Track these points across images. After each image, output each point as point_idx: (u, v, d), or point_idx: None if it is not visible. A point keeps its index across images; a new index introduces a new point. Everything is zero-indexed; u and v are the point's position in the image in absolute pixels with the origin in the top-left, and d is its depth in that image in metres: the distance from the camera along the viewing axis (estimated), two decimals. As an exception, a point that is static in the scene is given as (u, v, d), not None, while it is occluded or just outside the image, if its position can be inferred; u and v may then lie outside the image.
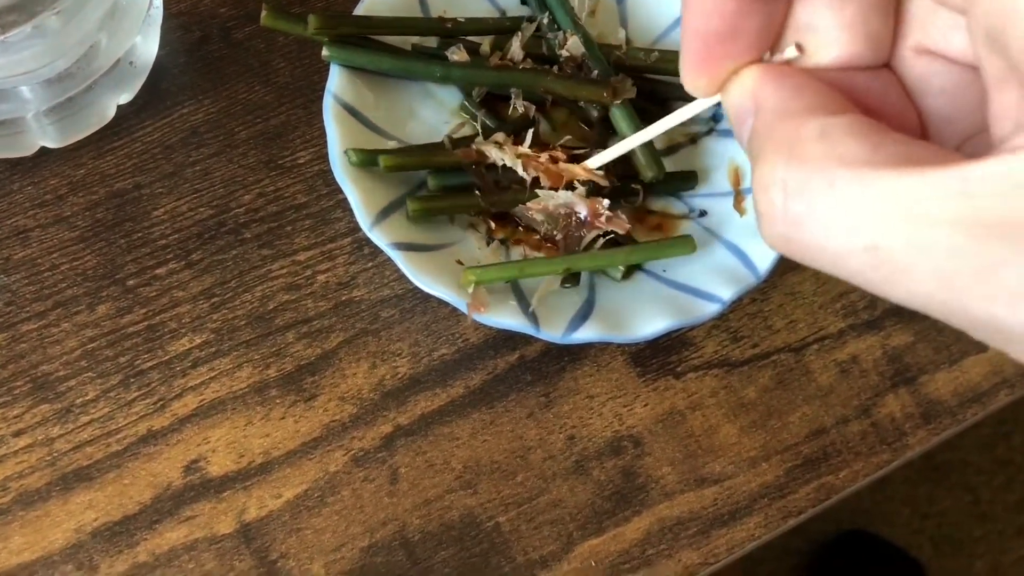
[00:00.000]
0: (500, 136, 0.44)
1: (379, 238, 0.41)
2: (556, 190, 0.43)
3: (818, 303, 0.46)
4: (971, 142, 0.24)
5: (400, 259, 0.40)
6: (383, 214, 0.42)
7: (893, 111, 0.24)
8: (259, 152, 0.46)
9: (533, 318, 0.41)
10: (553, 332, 0.41)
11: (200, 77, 0.47)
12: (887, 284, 0.20)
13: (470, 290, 0.40)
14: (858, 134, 0.21)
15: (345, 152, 0.42)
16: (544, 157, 0.43)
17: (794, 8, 0.24)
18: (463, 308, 0.40)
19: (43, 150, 0.45)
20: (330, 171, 0.46)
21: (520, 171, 0.43)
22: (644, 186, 0.44)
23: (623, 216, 0.42)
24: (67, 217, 0.45)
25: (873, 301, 0.46)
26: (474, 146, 0.43)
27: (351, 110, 0.43)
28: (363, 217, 0.41)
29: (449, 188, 0.43)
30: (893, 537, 1.18)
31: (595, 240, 0.43)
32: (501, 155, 0.43)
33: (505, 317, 0.40)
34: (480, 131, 0.44)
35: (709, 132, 0.47)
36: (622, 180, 0.44)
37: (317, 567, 0.41)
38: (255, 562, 0.40)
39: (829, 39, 0.23)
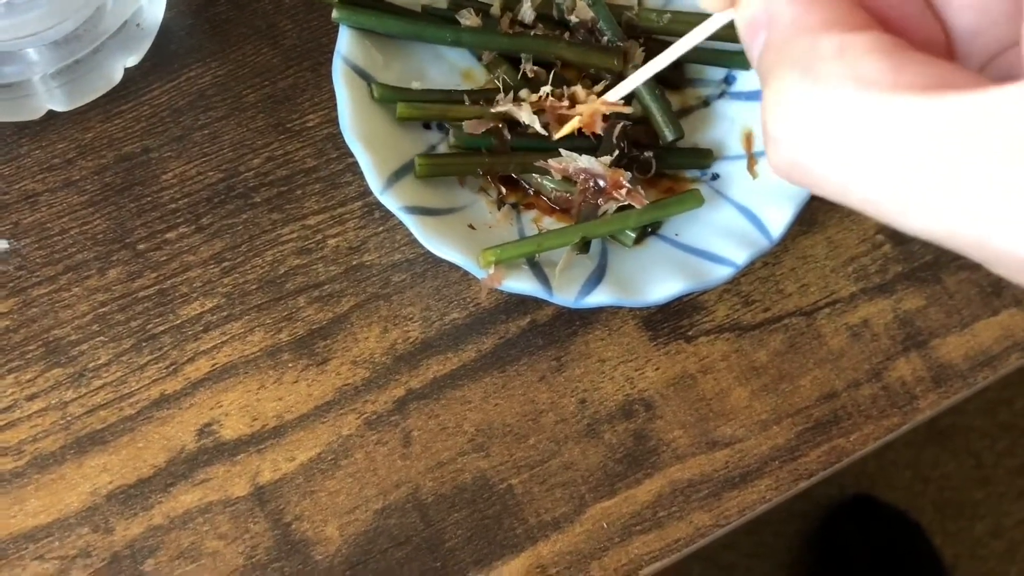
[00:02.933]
0: (524, 92, 0.43)
1: (391, 202, 0.41)
2: (576, 147, 0.42)
3: (829, 267, 0.46)
4: (997, 61, 0.22)
5: (412, 223, 0.40)
6: (394, 177, 0.41)
7: (915, 27, 0.22)
8: (267, 115, 0.46)
9: (546, 282, 0.41)
10: (566, 296, 0.41)
11: (207, 39, 0.47)
12: (903, 215, 0.19)
13: (490, 270, 0.40)
14: (879, 53, 0.19)
15: (370, 86, 0.42)
16: (565, 102, 0.43)
17: None
18: (474, 272, 0.40)
19: (50, 113, 0.44)
20: (339, 134, 0.45)
21: (538, 127, 0.42)
22: (657, 157, 0.44)
23: (642, 191, 0.42)
24: (76, 181, 0.44)
25: (885, 265, 0.46)
26: (496, 107, 0.43)
27: (360, 72, 0.43)
28: (374, 181, 0.41)
29: (459, 147, 0.43)
30: (895, 500, 1.18)
31: (615, 209, 0.43)
32: (520, 112, 0.42)
33: (518, 282, 0.40)
34: (501, 88, 0.44)
35: (721, 95, 0.46)
36: (636, 147, 0.44)
37: (331, 529, 0.41)
38: (269, 524, 0.41)
39: None
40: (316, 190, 0.45)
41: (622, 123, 0.43)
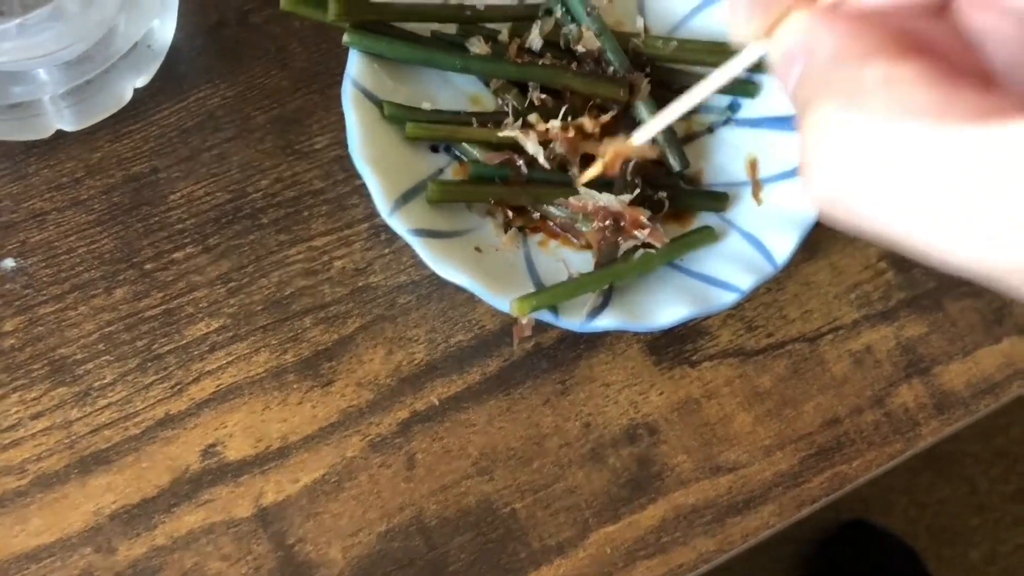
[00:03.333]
0: (533, 116, 0.43)
1: (398, 224, 0.41)
2: (598, 185, 0.42)
3: (833, 293, 0.46)
4: None
5: (419, 245, 0.40)
6: (402, 200, 0.42)
7: (955, 58, 0.21)
8: (276, 137, 0.46)
9: (553, 307, 0.41)
10: (572, 320, 0.41)
11: (217, 61, 0.47)
12: (955, 250, 0.18)
13: (523, 320, 0.40)
14: (926, 82, 0.19)
15: (380, 104, 0.42)
16: (572, 132, 0.43)
17: None
18: (481, 295, 0.40)
19: (59, 133, 0.45)
20: (347, 157, 0.46)
21: (542, 158, 0.43)
22: (671, 197, 0.44)
23: (660, 228, 0.42)
24: (84, 200, 0.45)
25: (888, 292, 0.47)
26: (504, 132, 0.43)
27: (369, 95, 0.43)
28: (382, 203, 0.41)
29: (475, 177, 0.44)
30: (890, 526, 1.18)
31: (634, 249, 0.43)
32: (526, 141, 0.43)
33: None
34: (510, 113, 0.44)
35: (726, 122, 0.47)
36: (650, 185, 0.44)
37: (334, 551, 0.41)
38: (272, 546, 0.41)
39: None
40: (323, 212, 0.45)
41: (635, 159, 0.43)
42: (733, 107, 0.47)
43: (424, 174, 0.44)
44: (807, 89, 0.21)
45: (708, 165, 0.46)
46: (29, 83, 0.43)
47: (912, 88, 0.19)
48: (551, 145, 0.43)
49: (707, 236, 0.43)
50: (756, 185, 0.45)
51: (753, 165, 0.45)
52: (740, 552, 0.42)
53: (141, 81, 0.46)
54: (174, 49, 0.46)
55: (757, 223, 0.43)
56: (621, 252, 0.43)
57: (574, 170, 0.44)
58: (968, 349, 0.46)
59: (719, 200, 0.45)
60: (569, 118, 0.44)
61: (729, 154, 0.46)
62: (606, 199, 0.43)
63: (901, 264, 0.47)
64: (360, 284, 0.44)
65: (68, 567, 0.40)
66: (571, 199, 0.43)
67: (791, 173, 0.44)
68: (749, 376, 0.45)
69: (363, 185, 0.46)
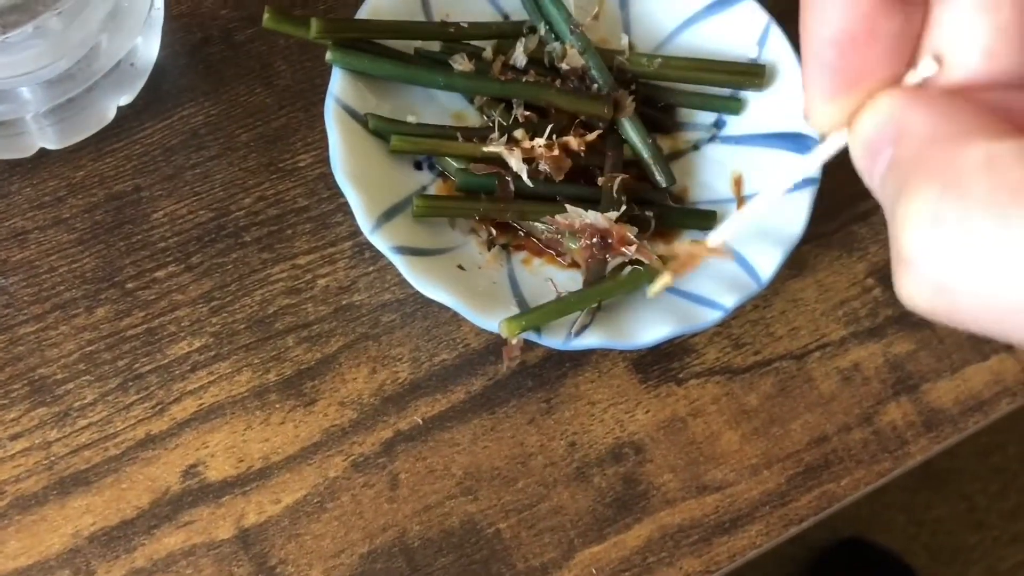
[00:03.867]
0: (519, 133, 0.43)
1: (380, 242, 0.41)
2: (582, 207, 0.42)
3: (820, 310, 0.46)
4: None
5: (401, 263, 0.40)
6: (384, 217, 0.41)
7: None
8: (260, 155, 0.46)
9: (536, 326, 0.41)
10: (555, 339, 0.40)
11: (201, 79, 0.47)
12: None
13: (512, 340, 0.40)
14: None
15: (364, 120, 0.42)
16: (557, 151, 0.43)
17: (933, 12, 0.20)
18: (464, 313, 0.40)
19: (42, 151, 0.44)
20: (331, 174, 0.45)
21: (525, 176, 0.43)
22: (658, 217, 0.44)
23: (648, 245, 0.42)
24: (66, 219, 0.44)
25: (875, 309, 0.46)
26: (489, 147, 0.43)
27: (352, 113, 0.43)
28: (364, 221, 0.41)
29: (462, 187, 0.43)
30: (889, 544, 1.17)
31: (621, 266, 0.43)
32: (510, 157, 0.42)
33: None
34: (496, 128, 0.44)
35: (712, 139, 0.47)
36: (636, 202, 0.44)
37: (316, 573, 0.40)
38: (253, 568, 0.40)
39: (976, 48, 0.19)
40: (307, 230, 0.45)
41: (621, 176, 0.43)
42: (719, 124, 0.47)
43: (407, 192, 0.43)
44: (899, 176, 0.19)
45: (693, 182, 0.46)
46: (12, 102, 0.43)
47: (1017, 167, 0.17)
48: (535, 164, 0.43)
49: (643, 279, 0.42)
50: (741, 202, 0.45)
51: (738, 182, 0.45)
52: (729, 572, 0.42)
53: (125, 99, 0.46)
54: (158, 67, 0.46)
55: (742, 241, 0.43)
56: (609, 269, 0.43)
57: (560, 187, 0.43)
58: (956, 366, 0.46)
59: (706, 218, 0.45)
60: (555, 136, 0.43)
61: (714, 171, 0.46)
62: (592, 216, 0.42)
63: (888, 281, 0.47)
64: (344, 303, 0.44)
65: (46, 590, 0.39)
66: (558, 217, 0.43)
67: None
68: (736, 394, 0.44)
69: (347, 203, 0.45)
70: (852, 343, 0.46)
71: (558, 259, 0.44)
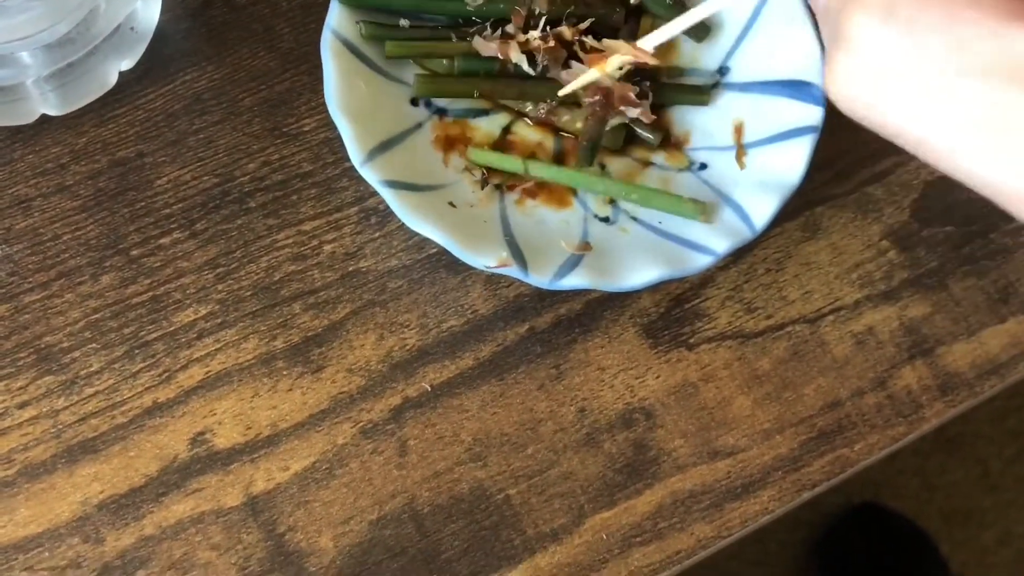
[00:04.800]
0: (511, 27, 0.44)
1: (370, 175, 0.40)
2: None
3: (833, 273, 0.45)
4: None
5: (391, 197, 0.40)
6: (376, 151, 0.41)
7: None
8: (263, 119, 0.45)
9: (522, 261, 0.40)
10: (541, 277, 0.40)
11: (203, 43, 0.46)
12: (964, 164, 0.17)
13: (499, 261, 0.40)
14: None
15: (358, 23, 0.43)
16: (552, 42, 0.43)
17: None
18: (452, 250, 0.39)
19: (44, 118, 0.44)
20: (336, 139, 0.45)
21: (526, 66, 0.43)
22: (654, 90, 0.44)
23: (647, 106, 0.43)
24: (69, 186, 0.44)
25: (890, 272, 0.46)
26: (479, 39, 0.43)
27: (351, 47, 0.43)
28: (355, 152, 0.40)
29: (464, 72, 0.44)
30: (901, 508, 1.17)
31: (621, 128, 0.44)
32: (509, 50, 0.43)
33: (492, 259, 0.40)
34: (489, 28, 0.45)
35: (715, 86, 0.46)
36: (631, 79, 0.44)
37: (325, 540, 0.40)
38: (262, 535, 0.40)
39: None
40: (312, 195, 0.44)
41: (634, 63, 0.43)
42: (722, 71, 0.46)
43: (402, 127, 0.43)
44: None
45: (694, 127, 0.45)
46: (11, 66, 0.42)
47: None
48: (533, 57, 0.43)
49: (691, 209, 0.42)
50: (740, 149, 0.44)
51: (739, 129, 0.44)
52: (743, 537, 0.41)
53: (126, 64, 0.45)
54: (159, 31, 0.45)
55: (738, 187, 0.43)
56: (607, 129, 0.43)
57: (558, 71, 0.44)
58: (973, 329, 0.45)
59: (700, 93, 0.45)
60: (548, 28, 0.44)
61: (715, 117, 0.45)
62: (594, 74, 0.43)
63: (904, 243, 0.46)
64: (350, 269, 0.44)
65: (56, 557, 0.39)
66: (563, 72, 0.43)
67: (776, 139, 0.43)
68: (748, 359, 0.44)
69: (352, 168, 0.44)
70: (866, 306, 0.45)
71: (552, 196, 0.44)
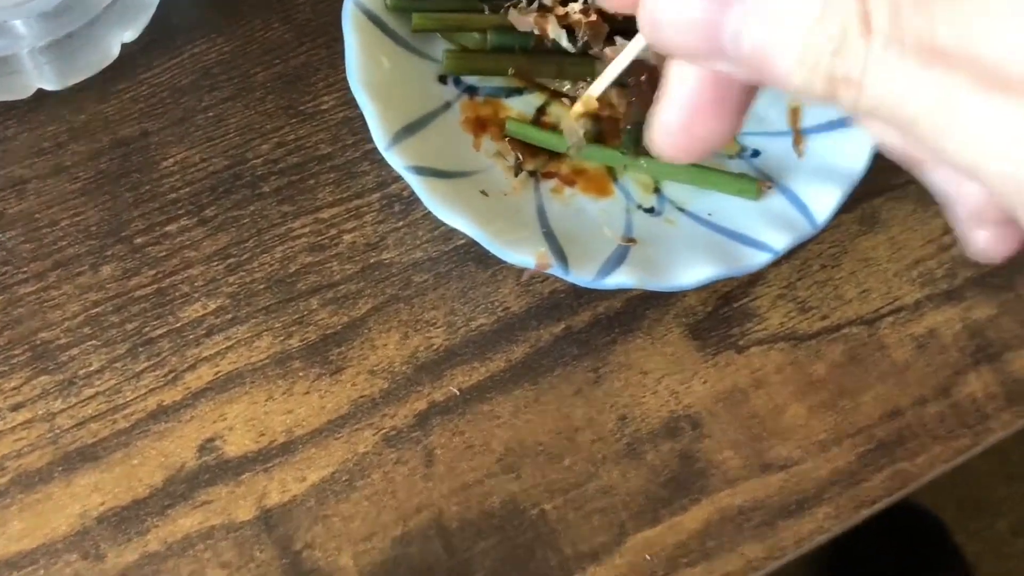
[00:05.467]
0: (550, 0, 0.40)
1: (396, 160, 0.37)
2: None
3: (892, 270, 0.42)
4: None
5: (418, 185, 0.37)
6: (402, 134, 0.38)
7: None
8: (278, 97, 0.42)
9: (563, 258, 0.37)
10: (584, 275, 0.37)
11: (213, 12, 0.42)
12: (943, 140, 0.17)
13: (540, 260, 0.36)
14: None
15: (383, 24, 0.39)
16: (594, 15, 0.40)
17: None
18: (485, 243, 0.36)
19: (40, 93, 0.40)
20: (356, 118, 0.42)
21: (564, 41, 0.40)
22: None
23: None
24: (67, 167, 0.40)
25: (953, 269, 0.42)
26: (514, 11, 0.40)
27: (374, 19, 0.39)
28: (379, 135, 0.37)
29: (498, 47, 0.41)
30: (916, 496, 1.15)
31: None
32: (546, 23, 0.40)
33: (529, 255, 0.36)
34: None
35: None
36: None
37: (345, 558, 0.37)
38: (277, 552, 0.37)
39: None
40: (330, 179, 0.41)
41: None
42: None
43: (429, 107, 0.40)
44: None
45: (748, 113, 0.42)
46: (5, 36, 0.39)
47: None
48: (572, 32, 0.40)
49: (748, 188, 0.39)
50: (797, 136, 0.41)
51: (795, 114, 0.41)
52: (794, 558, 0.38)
53: (129, 35, 0.41)
54: (165, -1, 0.42)
55: (796, 177, 0.39)
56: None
57: (600, 47, 0.41)
58: (1044, 333, 0.42)
59: None
60: (589, 0, 0.40)
61: (767, 100, 0.42)
62: (642, 51, 0.39)
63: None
64: (372, 261, 0.40)
65: (52, 575, 0.36)
66: (607, 49, 0.40)
67: (837, 124, 0.40)
68: (802, 363, 0.40)
69: (374, 151, 0.41)
70: (928, 307, 0.42)
71: (593, 185, 0.40)
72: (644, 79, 0.39)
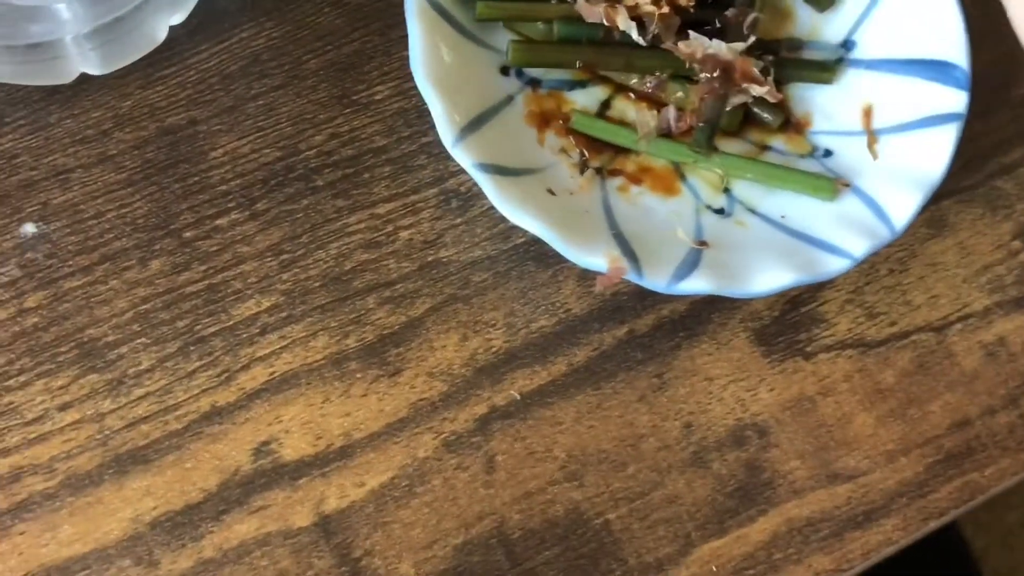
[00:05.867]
0: None
1: (463, 157, 0.36)
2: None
3: (961, 276, 0.41)
4: None
5: (486, 183, 0.35)
6: (469, 128, 0.36)
7: None
8: (330, 85, 0.40)
9: (635, 261, 0.35)
10: (657, 280, 0.35)
11: (263, -4, 0.41)
12: None
13: (614, 260, 0.35)
14: None
15: (448, 14, 0.38)
16: (665, 7, 0.38)
17: None
18: (557, 245, 0.35)
19: (84, 77, 0.39)
20: (412, 110, 0.40)
21: (635, 34, 0.38)
22: (775, 64, 0.40)
23: (772, 83, 0.39)
24: (113, 156, 0.39)
25: (1022, 275, 0.41)
26: (583, 1, 0.39)
27: (436, 6, 0.38)
28: (447, 131, 0.36)
29: (565, 38, 0.39)
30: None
31: (743, 107, 0.39)
32: (616, 15, 0.38)
33: (602, 258, 0.35)
34: None
35: (839, 61, 0.41)
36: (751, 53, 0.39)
37: (406, 567, 0.36)
38: (336, 560, 0.36)
39: None
40: (386, 173, 0.40)
41: (755, 15, 0.39)
42: (847, 45, 0.41)
43: (492, 100, 0.38)
44: None
45: (817, 110, 0.40)
46: (49, 21, 0.37)
47: None
48: (643, 24, 0.39)
49: (825, 187, 0.38)
50: (871, 136, 0.39)
51: (868, 113, 0.40)
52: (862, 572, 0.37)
53: (177, 18, 0.40)
54: (214, -19, 0.40)
55: (872, 180, 0.38)
56: (728, 108, 0.39)
57: (672, 40, 0.39)
58: (1115, 343, 0.41)
59: (824, 70, 0.40)
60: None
61: (839, 99, 0.40)
62: (717, 46, 0.38)
63: (1039, 244, 0.41)
64: (429, 259, 0.39)
65: (104, 582, 0.35)
66: (680, 44, 0.38)
67: (912, 125, 0.38)
68: (870, 370, 0.39)
69: (430, 143, 0.40)
70: (997, 314, 0.41)
71: (660, 185, 0.39)
72: (718, 74, 0.38)
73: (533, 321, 0.39)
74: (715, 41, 0.38)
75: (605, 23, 0.38)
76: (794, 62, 0.40)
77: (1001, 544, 1.17)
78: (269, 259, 0.38)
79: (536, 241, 0.38)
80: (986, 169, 0.43)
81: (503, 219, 0.36)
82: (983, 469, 0.39)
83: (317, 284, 0.38)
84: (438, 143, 0.36)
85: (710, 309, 0.39)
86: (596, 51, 0.39)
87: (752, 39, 0.38)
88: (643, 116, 0.38)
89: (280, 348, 0.37)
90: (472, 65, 0.38)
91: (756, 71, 0.38)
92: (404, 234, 0.39)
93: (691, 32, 0.38)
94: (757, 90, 0.38)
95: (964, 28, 0.38)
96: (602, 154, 0.39)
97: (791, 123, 0.40)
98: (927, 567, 1.07)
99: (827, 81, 0.40)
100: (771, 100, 0.38)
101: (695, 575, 0.37)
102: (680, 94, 0.39)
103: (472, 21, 0.39)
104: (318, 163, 0.39)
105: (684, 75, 0.39)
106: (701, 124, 0.38)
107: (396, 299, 0.38)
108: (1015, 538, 1.18)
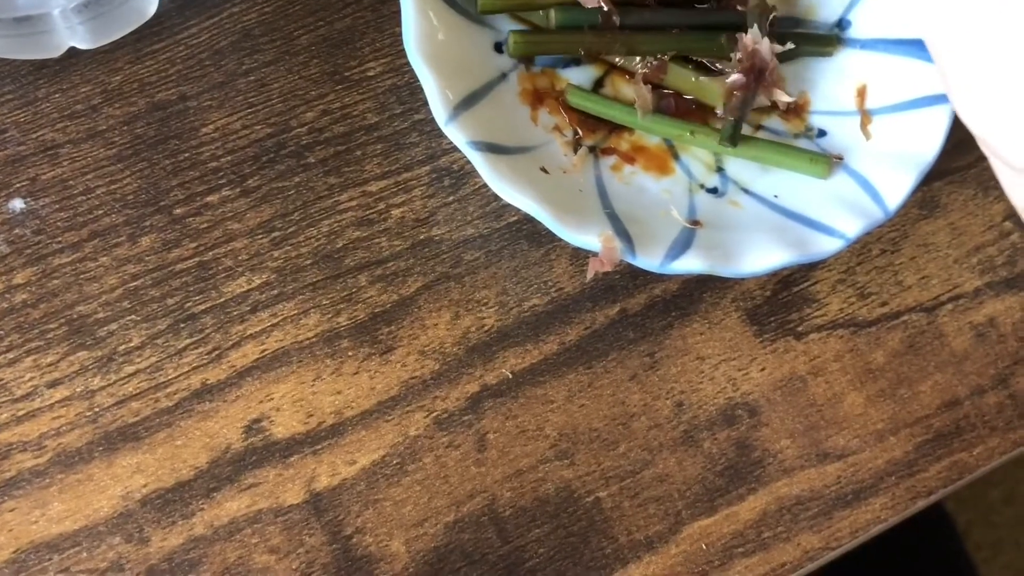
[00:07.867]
0: None
1: (457, 134, 0.35)
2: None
3: (952, 256, 0.41)
4: None
5: (479, 161, 0.35)
6: (462, 106, 0.36)
7: None
8: (322, 61, 0.40)
9: (628, 241, 0.35)
10: (650, 259, 0.35)
11: (254, -30, 0.40)
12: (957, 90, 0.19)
13: (607, 241, 0.35)
14: None
15: None
16: None
17: None
18: (550, 224, 0.35)
19: (72, 51, 0.38)
20: (404, 87, 0.40)
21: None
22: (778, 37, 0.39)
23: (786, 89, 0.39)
24: (102, 131, 0.38)
25: (1013, 256, 0.41)
26: None
27: None
28: (440, 109, 0.35)
29: (564, 25, 0.39)
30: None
31: (773, 107, 0.39)
32: None
33: (595, 237, 0.35)
34: None
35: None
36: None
37: (397, 544, 0.36)
38: (327, 537, 0.36)
39: None
40: (378, 151, 0.39)
41: (773, 13, 0.39)
42: (842, 24, 0.41)
43: (486, 78, 0.38)
44: None
45: (813, 90, 0.40)
46: (36, -7, 0.36)
47: None
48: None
49: (819, 165, 0.38)
50: (865, 116, 0.39)
51: (862, 94, 0.40)
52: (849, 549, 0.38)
53: (166, -9, 0.39)
54: (204, -46, 0.39)
55: (866, 160, 0.38)
56: (751, 108, 0.38)
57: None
58: (1104, 324, 0.41)
59: (826, 43, 0.40)
60: None
61: (833, 78, 0.40)
62: (766, 45, 0.38)
63: (1030, 225, 0.41)
64: (421, 237, 0.39)
65: (95, 559, 0.35)
66: (741, 35, 0.38)
67: (906, 105, 0.38)
68: (861, 350, 0.39)
69: (422, 121, 0.40)
70: (987, 295, 0.41)
71: (653, 162, 0.39)
72: (749, 68, 0.37)
73: (525, 300, 0.39)
74: (765, 40, 0.37)
75: (604, 7, 0.38)
76: (792, 36, 0.40)
77: (984, 521, 1.19)
78: (260, 236, 0.38)
79: (529, 220, 0.38)
80: (978, 150, 0.42)
81: (496, 197, 0.36)
82: (971, 449, 0.39)
83: (308, 262, 0.38)
84: (430, 120, 0.36)
85: (702, 289, 0.39)
86: (597, 37, 0.38)
87: (790, 46, 0.39)
88: (641, 91, 0.38)
89: (271, 326, 0.37)
90: (465, 42, 0.38)
91: (784, 81, 0.38)
92: (396, 212, 0.39)
93: (750, 28, 0.38)
94: (783, 98, 0.38)
95: (959, 8, 0.38)
96: (596, 133, 0.39)
97: (791, 105, 0.40)
98: (911, 542, 1.08)
99: (827, 54, 0.40)
100: (782, 108, 0.39)
101: (685, 553, 0.37)
102: (693, 81, 0.38)
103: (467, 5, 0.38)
104: (309, 140, 0.39)
105: (685, 57, 0.39)
106: (730, 119, 0.37)
107: (388, 277, 0.38)
108: (998, 515, 1.19)
